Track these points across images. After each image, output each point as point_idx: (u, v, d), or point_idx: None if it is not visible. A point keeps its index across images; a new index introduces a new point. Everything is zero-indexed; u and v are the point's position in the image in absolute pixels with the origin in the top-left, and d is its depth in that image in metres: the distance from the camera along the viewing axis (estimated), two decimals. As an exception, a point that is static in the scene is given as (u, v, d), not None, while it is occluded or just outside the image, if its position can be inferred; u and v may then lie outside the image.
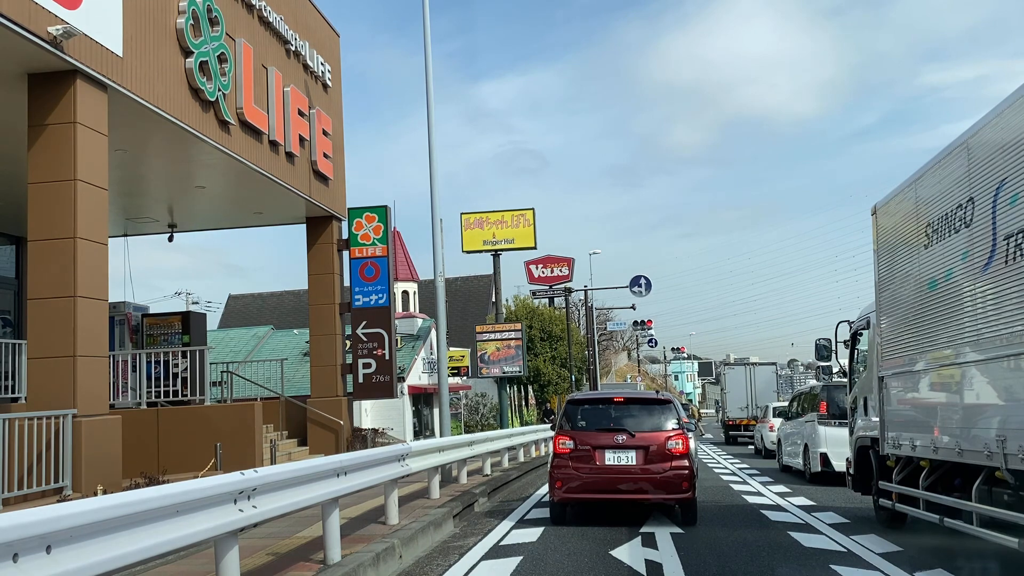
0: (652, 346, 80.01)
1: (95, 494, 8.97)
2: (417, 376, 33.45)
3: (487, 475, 15.67)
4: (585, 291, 50.83)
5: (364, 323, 17.58)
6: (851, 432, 11.60)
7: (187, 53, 11.90)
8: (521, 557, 8.33)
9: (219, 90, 12.60)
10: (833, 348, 12.53)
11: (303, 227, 17.94)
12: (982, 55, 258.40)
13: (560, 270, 41.65)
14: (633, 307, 54.86)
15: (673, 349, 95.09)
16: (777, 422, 22.30)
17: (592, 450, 10.44)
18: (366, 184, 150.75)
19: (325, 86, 17.30)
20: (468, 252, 34.48)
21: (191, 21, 11.86)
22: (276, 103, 14.74)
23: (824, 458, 16.13)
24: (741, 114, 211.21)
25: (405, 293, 36.16)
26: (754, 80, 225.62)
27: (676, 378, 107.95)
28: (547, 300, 44.28)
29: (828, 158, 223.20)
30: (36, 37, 9.00)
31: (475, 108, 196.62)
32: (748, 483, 16.28)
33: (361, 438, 17.50)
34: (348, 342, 17.92)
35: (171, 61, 11.62)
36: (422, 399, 34.59)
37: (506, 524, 10.68)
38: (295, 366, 26.31)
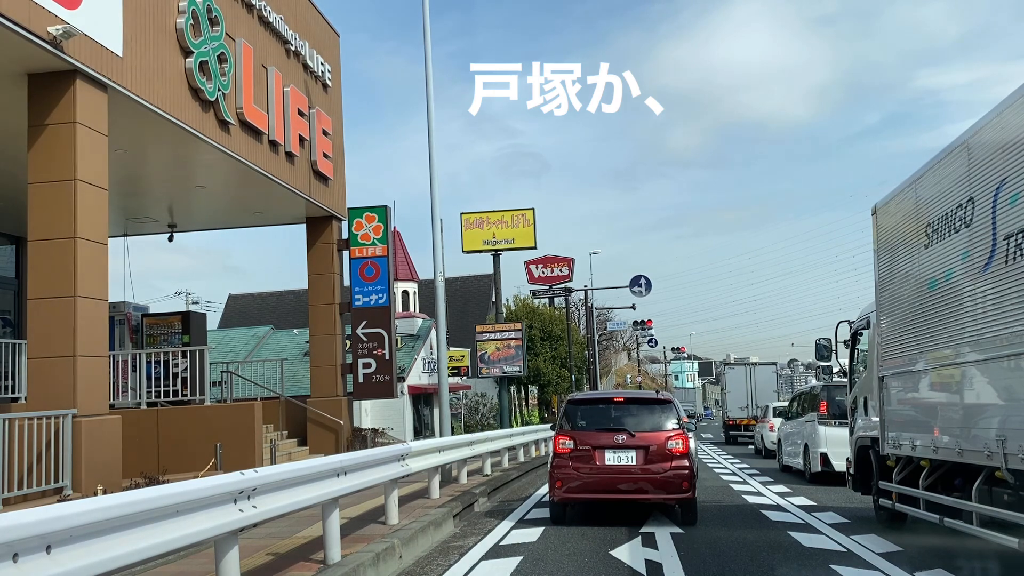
0: (652, 346, 79.91)
1: (95, 494, 8.97)
2: (417, 376, 33.45)
3: (487, 475, 15.67)
4: (585, 291, 50.81)
5: (364, 323, 17.59)
6: (851, 432, 11.60)
7: (187, 53, 11.90)
8: (521, 557, 8.33)
9: (219, 90, 12.60)
10: (833, 348, 12.52)
11: (303, 227, 17.95)
12: (976, 60, 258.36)
13: (560, 270, 41.62)
14: (633, 307, 54.83)
15: (673, 349, 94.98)
16: (777, 422, 22.29)
17: (592, 450, 10.44)
18: (369, 184, 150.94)
19: (325, 86, 17.31)
20: (468, 252, 34.45)
21: (191, 21, 11.86)
22: (276, 103, 14.74)
23: (824, 458, 16.13)
24: (739, 118, 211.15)
25: (405, 293, 36.16)
26: (751, 86, 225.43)
27: (676, 378, 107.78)
28: (547, 300, 44.25)
29: (827, 159, 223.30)
30: (36, 37, 9.00)
31: (476, 110, 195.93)
32: (748, 483, 16.29)
33: (361, 438, 17.51)
34: (348, 342, 17.92)
35: (171, 61, 11.62)
36: (422, 399, 34.58)
37: (506, 524, 10.68)
38: (295, 366, 26.29)
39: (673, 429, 10.52)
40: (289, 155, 15.31)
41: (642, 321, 60.08)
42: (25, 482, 9.15)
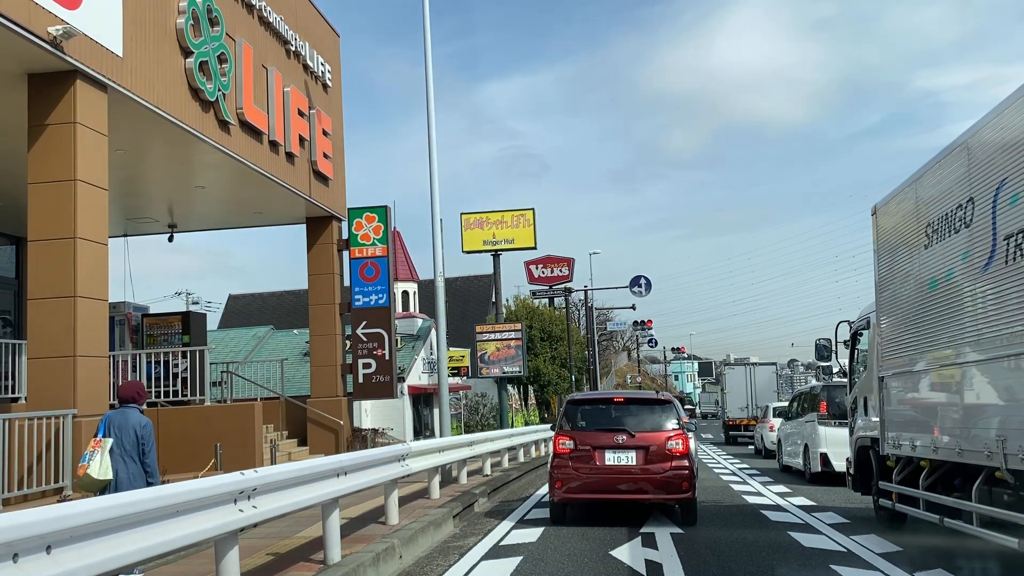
0: (652, 346, 79.96)
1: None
2: (417, 376, 33.43)
3: (487, 475, 15.67)
4: (585, 291, 50.83)
5: (364, 323, 17.58)
6: (851, 432, 11.60)
7: (187, 53, 11.90)
8: (521, 557, 8.33)
9: (219, 90, 12.60)
10: (833, 348, 12.53)
11: (303, 227, 17.95)
12: (975, 61, 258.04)
13: (560, 270, 41.64)
14: (633, 307, 54.85)
15: (673, 349, 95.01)
16: (777, 422, 22.29)
17: (592, 450, 10.44)
18: (369, 185, 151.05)
19: (325, 86, 17.30)
20: (468, 252, 34.44)
21: (191, 21, 11.85)
22: (276, 103, 14.73)
23: (824, 458, 16.14)
24: (738, 119, 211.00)
25: (405, 293, 36.13)
26: (750, 87, 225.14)
27: (676, 378, 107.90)
28: (547, 300, 44.27)
29: (827, 160, 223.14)
30: (36, 37, 8.99)
31: (477, 111, 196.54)
32: (748, 483, 16.29)
33: (361, 438, 17.51)
34: (348, 342, 17.92)
35: (171, 61, 11.62)
36: (422, 399, 34.57)
37: (506, 524, 10.68)
38: (295, 366, 26.28)
39: (673, 429, 10.52)
40: (289, 155, 15.31)
41: (642, 321, 60.10)
42: (25, 482, 9.15)
